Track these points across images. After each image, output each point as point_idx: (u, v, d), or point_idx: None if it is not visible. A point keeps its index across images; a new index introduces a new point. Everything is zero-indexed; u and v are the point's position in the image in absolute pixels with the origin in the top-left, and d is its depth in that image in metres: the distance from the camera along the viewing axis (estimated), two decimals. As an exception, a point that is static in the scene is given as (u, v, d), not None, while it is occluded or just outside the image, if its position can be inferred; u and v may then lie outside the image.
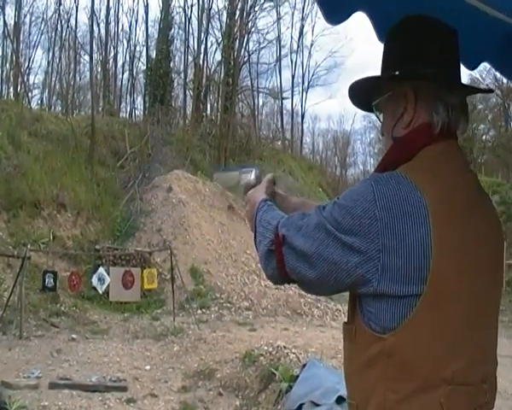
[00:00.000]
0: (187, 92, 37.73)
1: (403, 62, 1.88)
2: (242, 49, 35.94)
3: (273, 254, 1.92)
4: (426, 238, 1.63)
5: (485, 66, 2.98)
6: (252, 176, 2.52)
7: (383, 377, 1.68)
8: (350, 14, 2.46)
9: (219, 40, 37.62)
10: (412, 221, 1.64)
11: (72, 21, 40.78)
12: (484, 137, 46.39)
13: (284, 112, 49.49)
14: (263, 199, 2.20)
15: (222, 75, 35.39)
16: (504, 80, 30.02)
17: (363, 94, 2.04)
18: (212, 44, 38.92)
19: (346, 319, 1.93)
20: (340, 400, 7.93)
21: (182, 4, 37.08)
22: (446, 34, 1.90)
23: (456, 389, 1.66)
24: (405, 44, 1.90)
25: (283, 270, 1.89)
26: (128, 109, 41.63)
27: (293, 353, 11.04)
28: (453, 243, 1.67)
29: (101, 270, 16.01)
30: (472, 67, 2.91)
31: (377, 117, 2.07)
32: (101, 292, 16.10)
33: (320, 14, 2.45)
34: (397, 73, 1.89)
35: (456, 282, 1.67)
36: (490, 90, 2.45)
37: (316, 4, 2.68)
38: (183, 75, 37.83)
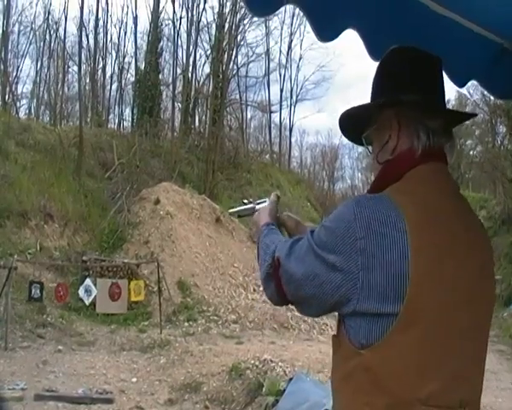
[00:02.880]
0: (175, 104, 37.79)
1: (387, 91, 1.96)
2: (231, 63, 35.97)
3: (271, 277, 2.02)
4: (404, 259, 1.66)
5: (473, 82, 3.03)
6: (266, 204, 2.61)
7: (360, 390, 1.71)
8: (341, 32, 2.49)
9: (208, 53, 37.70)
10: (391, 241, 1.68)
11: (61, 31, 40.63)
12: (471, 153, 46.57)
13: (272, 125, 49.65)
14: (265, 223, 2.35)
15: (210, 88, 35.39)
16: (492, 97, 30.11)
17: (352, 127, 2.11)
18: (200, 57, 38.95)
19: (335, 332, 1.96)
20: (326, 414, 7.93)
21: (171, 17, 36.88)
22: (429, 63, 1.97)
23: None
24: (390, 74, 1.98)
25: (281, 291, 1.98)
26: (116, 121, 41.55)
27: (280, 366, 11.05)
28: (432, 264, 1.69)
29: (88, 281, 15.96)
30: (460, 84, 2.95)
31: (367, 149, 2.11)
32: (87, 304, 16.06)
33: (308, 28, 2.48)
34: (382, 100, 1.95)
35: (434, 302, 1.69)
36: (474, 115, 2.48)
37: (305, 20, 2.71)
38: (171, 87, 37.88)
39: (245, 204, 2.76)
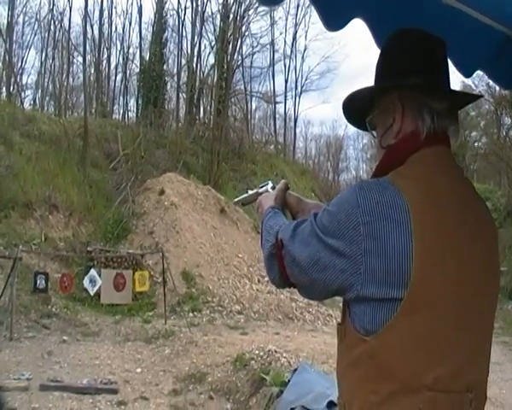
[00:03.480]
0: (180, 95, 37.69)
1: (391, 74, 1.95)
2: (236, 53, 35.92)
3: (274, 257, 2.00)
4: (407, 242, 1.66)
5: (477, 73, 3.01)
6: (268, 187, 2.63)
7: (365, 377, 1.71)
8: (348, 21, 2.48)
9: (213, 43, 37.61)
10: (394, 225, 1.67)
11: (66, 22, 40.65)
12: (476, 145, 46.40)
13: (277, 116, 49.57)
14: (270, 206, 2.33)
15: (215, 78, 35.29)
16: (497, 88, 30.02)
17: (356, 111, 2.10)
18: (205, 48, 38.88)
19: (340, 320, 1.96)
20: (330, 405, 7.92)
21: (175, 7, 36.98)
22: (433, 45, 1.95)
23: (437, 396, 1.67)
24: (393, 57, 1.97)
25: (284, 273, 1.97)
26: (121, 111, 41.51)
27: (285, 357, 11.05)
28: (436, 248, 1.69)
29: (93, 272, 15.96)
30: (467, 74, 2.94)
31: (372, 134, 2.11)
32: (92, 294, 16.07)
33: (313, 19, 2.48)
34: (385, 84, 1.95)
35: (438, 287, 1.68)
36: (479, 96, 2.47)
37: (310, 10, 2.70)
38: (176, 78, 37.76)
39: (248, 193, 2.76)
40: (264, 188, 2.63)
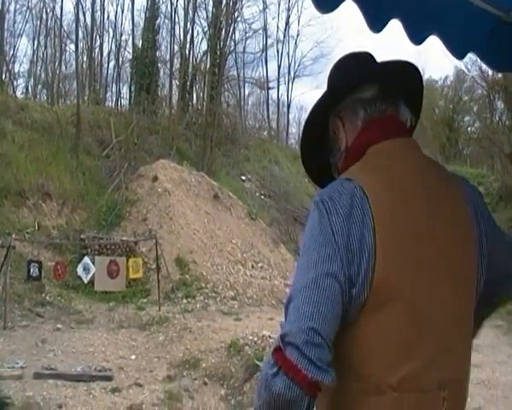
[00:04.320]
0: (173, 82, 37.57)
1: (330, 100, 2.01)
2: (228, 39, 35.75)
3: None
4: (370, 241, 1.64)
5: (470, 57, 3.00)
6: None
7: (340, 377, 1.64)
8: (340, 2, 2.44)
9: (205, 30, 37.44)
10: (359, 227, 1.65)
11: (58, 9, 40.52)
12: (469, 129, 46.56)
13: (270, 102, 49.46)
14: None
15: (208, 65, 35.14)
16: (490, 72, 30.08)
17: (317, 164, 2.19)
18: (198, 34, 38.69)
19: None
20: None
21: (168, -7, 36.67)
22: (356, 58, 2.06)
23: (403, 397, 1.65)
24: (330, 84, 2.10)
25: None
26: (114, 98, 41.40)
27: (279, 343, 11.06)
28: (397, 243, 1.67)
29: (87, 259, 15.96)
30: (459, 56, 2.93)
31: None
32: (86, 282, 16.06)
33: (306, 4, 2.46)
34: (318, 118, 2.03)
35: (403, 283, 1.66)
36: (407, 62, 2.33)
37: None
38: (169, 64, 37.60)
39: None
40: None
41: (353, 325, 1.66)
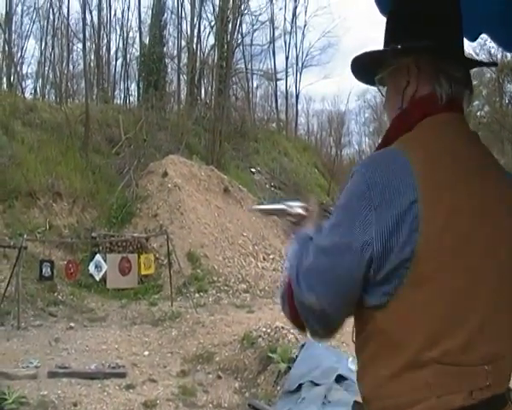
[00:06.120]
0: (181, 77, 37.61)
1: (404, 35, 1.88)
2: (235, 32, 35.66)
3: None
4: (414, 215, 1.61)
5: (479, 41, 2.98)
6: (298, 209, 2.28)
7: (376, 354, 1.69)
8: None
9: (212, 23, 37.41)
10: (403, 201, 1.63)
11: (64, 9, 40.28)
12: (478, 114, 46.26)
13: (278, 93, 49.21)
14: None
15: (215, 58, 35.13)
16: (499, 56, 29.83)
17: (365, 68, 2.04)
18: (205, 28, 38.65)
19: None
20: (339, 378, 7.97)
21: (174, -11, 36.70)
22: (447, 5, 1.89)
23: (446, 369, 1.63)
24: (406, 17, 1.90)
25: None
26: (122, 96, 41.47)
27: (292, 333, 11.06)
28: (444, 217, 1.65)
29: (98, 257, 16.02)
30: (472, 38, 2.90)
31: (380, 91, 2.07)
32: (98, 279, 16.14)
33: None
34: (399, 46, 1.87)
35: (446, 255, 1.64)
36: (494, 64, 2.43)
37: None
38: (176, 60, 37.63)
39: (273, 205, 2.51)
40: (295, 208, 2.28)
41: (394, 300, 1.66)
